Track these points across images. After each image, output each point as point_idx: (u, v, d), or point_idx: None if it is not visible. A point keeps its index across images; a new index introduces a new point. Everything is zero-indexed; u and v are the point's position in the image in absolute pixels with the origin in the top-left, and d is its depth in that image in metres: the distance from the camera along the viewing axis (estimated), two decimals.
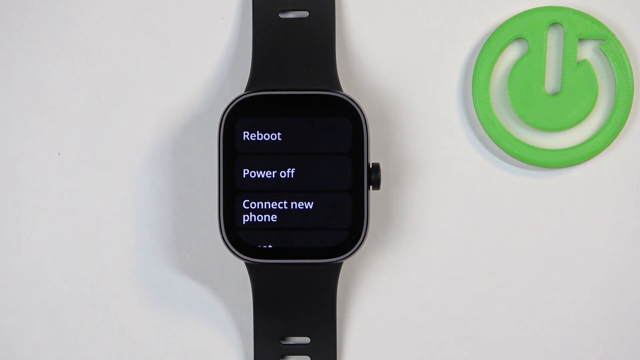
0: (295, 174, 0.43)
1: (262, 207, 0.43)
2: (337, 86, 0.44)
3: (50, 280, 0.48)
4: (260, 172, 0.43)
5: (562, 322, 0.47)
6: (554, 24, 0.46)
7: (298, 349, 0.46)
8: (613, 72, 0.46)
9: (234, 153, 0.43)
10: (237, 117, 0.43)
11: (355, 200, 0.43)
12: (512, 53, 0.47)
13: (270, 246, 0.43)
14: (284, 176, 0.43)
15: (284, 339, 0.46)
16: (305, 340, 0.46)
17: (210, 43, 0.47)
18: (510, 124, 0.47)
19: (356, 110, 0.43)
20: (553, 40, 0.47)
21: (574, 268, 0.47)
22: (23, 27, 0.47)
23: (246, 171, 0.43)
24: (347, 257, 0.43)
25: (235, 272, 0.47)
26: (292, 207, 0.43)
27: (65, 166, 0.47)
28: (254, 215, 0.43)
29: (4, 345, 0.48)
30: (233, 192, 0.43)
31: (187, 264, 0.48)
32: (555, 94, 0.47)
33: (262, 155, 0.43)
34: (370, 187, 0.43)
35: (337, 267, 0.45)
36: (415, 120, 0.47)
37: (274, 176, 0.43)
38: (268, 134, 0.43)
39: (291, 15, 0.45)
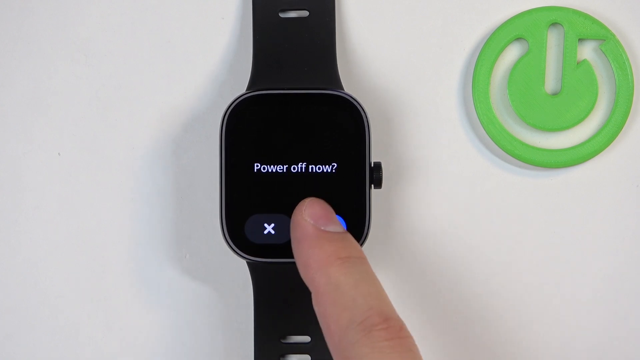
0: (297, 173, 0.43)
1: None
2: (338, 85, 0.44)
3: (50, 280, 0.48)
4: (262, 171, 0.43)
5: (562, 322, 0.47)
6: (554, 24, 0.47)
7: (298, 348, 0.46)
8: (613, 72, 0.46)
9: (235, 152, 0.43)
10: (238, 117, 0.43)
11: (357, 199, 0.43)
12: (512, 53, 0.47)
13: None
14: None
15: (284, 338, 0.46)
16: (306, 339, 0.46)
17: (211, 43, 0.47)
18: (510, 124, 0.47)
19: (358, 109, 0.43)
20: (553, 40, 0.47)
21: (574, 268, 0.47)
22: (23, 27, 0.47)
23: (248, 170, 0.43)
24: None
25: (236, 271, 0.47)
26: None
27: (65, 166, 0.47)
28: None
29: (4, 345, 0.48)
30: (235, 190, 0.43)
31: (187, 264, 0.48)
32: (555, 94, 0.47)
33: (264, 154, 0.43)
34: (372, 185, 0.43)
35: None
36: (416, 120, 0.47)
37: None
38: (269, 134, 0.43)
39: (291, 14, 0.45)
